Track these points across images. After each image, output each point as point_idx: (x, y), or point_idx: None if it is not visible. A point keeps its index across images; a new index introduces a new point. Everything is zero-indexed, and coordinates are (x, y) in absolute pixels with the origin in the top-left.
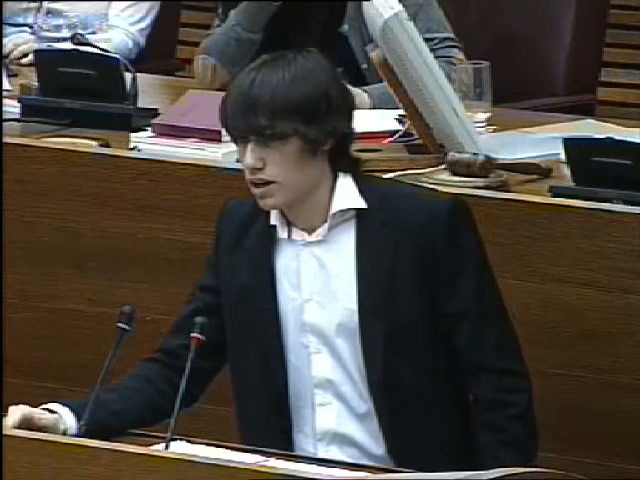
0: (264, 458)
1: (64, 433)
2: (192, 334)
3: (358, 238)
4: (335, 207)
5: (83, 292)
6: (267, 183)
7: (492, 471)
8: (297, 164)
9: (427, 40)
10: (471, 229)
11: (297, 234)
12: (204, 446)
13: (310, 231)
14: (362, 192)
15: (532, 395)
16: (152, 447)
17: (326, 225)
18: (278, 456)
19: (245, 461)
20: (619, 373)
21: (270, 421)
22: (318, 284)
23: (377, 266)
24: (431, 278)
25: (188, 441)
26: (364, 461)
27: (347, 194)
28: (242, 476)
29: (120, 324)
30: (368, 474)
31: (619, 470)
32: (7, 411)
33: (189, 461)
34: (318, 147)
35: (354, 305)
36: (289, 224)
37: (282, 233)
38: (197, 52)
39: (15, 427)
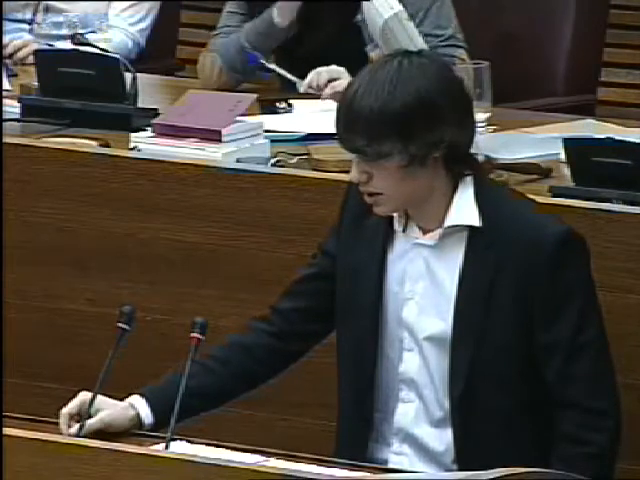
0: (264, 458)
1: (139, 420)
2: (192, 334)
3: (467, 254)
4: (449, 221)
5: (83, 292)
6: (375, 194)
7: (492, 471)
8: (402, 177)
9: (434, 36)
10: (579, 263)
11: (412, 230)
12: (204, 446)
13: (425, 231)
14: (480, 204)
15: (616, 435)
16: (152, 447)
17: (440, 231)
18: (278, 456)
19: (245, 461)
20: (619, 373)
21: (356, 402)
22: (421, 286)
23: (478, 286)
24: (529, 308)
25: (188, 441)
26: (433, 467)
27: (464, 208)
28: (242, 476)
29: (120, 324)
30: (368, 474)
31: (619, 470)
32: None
33: (189, 461)
34: (425, 158)
35: (450, 318)
36: (407, 217)
37: (398, 225)
38: (206, 49)
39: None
